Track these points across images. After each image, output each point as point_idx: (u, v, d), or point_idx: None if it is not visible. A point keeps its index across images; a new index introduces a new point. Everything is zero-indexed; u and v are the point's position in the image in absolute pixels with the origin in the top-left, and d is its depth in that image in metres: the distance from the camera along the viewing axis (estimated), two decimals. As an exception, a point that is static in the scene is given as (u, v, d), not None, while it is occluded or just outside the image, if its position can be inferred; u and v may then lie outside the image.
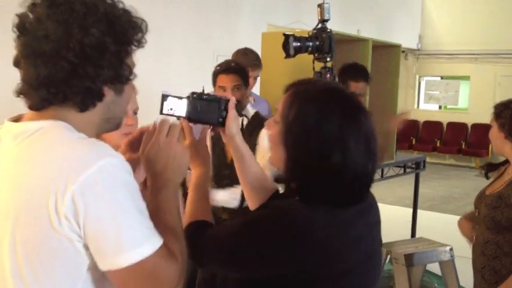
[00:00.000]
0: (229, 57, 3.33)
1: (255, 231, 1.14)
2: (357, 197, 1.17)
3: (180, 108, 1.33)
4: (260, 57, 3.41)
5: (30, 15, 1.02)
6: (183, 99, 1.33)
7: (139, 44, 1.09)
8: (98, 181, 0.94)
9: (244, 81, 2.64)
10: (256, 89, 3.50)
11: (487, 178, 2.38)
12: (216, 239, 1.19)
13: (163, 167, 1.14)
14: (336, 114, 1.14)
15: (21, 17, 1.03)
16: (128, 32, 1.06)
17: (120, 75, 1.06)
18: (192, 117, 1.35)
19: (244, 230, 1.17)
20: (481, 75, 11.21)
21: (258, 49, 3.78)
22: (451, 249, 3.47)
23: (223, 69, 2.64)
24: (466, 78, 11.79)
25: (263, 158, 2.37)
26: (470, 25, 11.13)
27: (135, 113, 1.76)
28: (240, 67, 2.69)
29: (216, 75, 2.66)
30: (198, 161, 1.40)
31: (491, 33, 10.79)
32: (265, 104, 3.49)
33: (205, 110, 1.36)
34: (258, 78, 3.49)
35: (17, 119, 1.09)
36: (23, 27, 1.03)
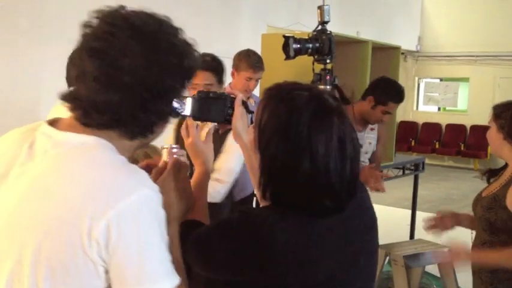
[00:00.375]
0: (230, 58, 3.32)
1: (220, 236, 1.14)
2: (335, 205, 1.10)
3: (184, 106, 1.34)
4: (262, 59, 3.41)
5: (110, 38, 0.99)
6: (188, 98, 1.33)
7: None
8: (135, 211, 0.95)
9: (219, 79, 2.48)
10: (256, 91, 3.51)
11: (489, 183, 2.37)
12: (192, 242, 1.19)
13: (169, 205, 1.15)
14: (305, 116, 1.07)
15: (98, 37, 1.00)
16: (191, 69, 1.07)
17: (176, 110, 1.11)
18: (197, 115, 1.34)
19: (212, 234, 1.17)
20: (480, 77, 11.23)
21: (258, 50, 3.79)
22: (449, 251, 3.47)
23: None
24: (465, 80, 11.81)
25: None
26: (469, 27, 11.15)
27: None
28: (216, 63, 2.47)
29: None
30: (200, 160, 1.40)
31: (491, 35, 10.80)
32: None
33: (211, 108, 1.35)
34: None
35: (53, 123, 1.07)
36: (101, 49, 0.99)
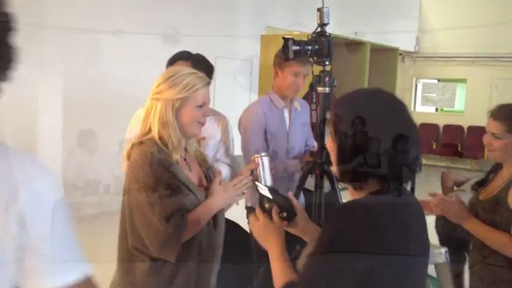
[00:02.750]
0: (228, 59, 3.32)
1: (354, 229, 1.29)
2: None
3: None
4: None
5: None
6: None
7: None
8: (37, 198, 0.91)
9: None
10: (256, 92, 3.51)
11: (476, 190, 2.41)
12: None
13: None
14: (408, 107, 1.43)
15: None
16: None
17: None
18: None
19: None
20: (477, 78, 11.27)
21: (257, 51, 3.81)
22: (446, 252, 3.49)
23: None
24: (462, 81, 11.85)
25: None
26: (467, 28, 11.17)
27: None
28: None
29: None
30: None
31: (488, 36, 10.83)
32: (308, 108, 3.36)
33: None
34: (256, 81, 3.43)
35: None
36: None
